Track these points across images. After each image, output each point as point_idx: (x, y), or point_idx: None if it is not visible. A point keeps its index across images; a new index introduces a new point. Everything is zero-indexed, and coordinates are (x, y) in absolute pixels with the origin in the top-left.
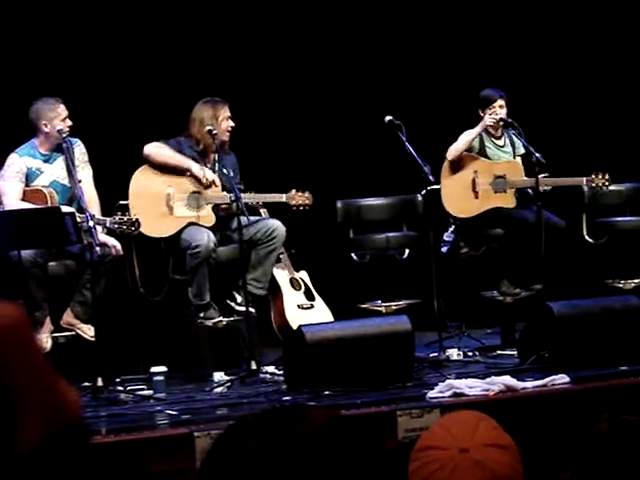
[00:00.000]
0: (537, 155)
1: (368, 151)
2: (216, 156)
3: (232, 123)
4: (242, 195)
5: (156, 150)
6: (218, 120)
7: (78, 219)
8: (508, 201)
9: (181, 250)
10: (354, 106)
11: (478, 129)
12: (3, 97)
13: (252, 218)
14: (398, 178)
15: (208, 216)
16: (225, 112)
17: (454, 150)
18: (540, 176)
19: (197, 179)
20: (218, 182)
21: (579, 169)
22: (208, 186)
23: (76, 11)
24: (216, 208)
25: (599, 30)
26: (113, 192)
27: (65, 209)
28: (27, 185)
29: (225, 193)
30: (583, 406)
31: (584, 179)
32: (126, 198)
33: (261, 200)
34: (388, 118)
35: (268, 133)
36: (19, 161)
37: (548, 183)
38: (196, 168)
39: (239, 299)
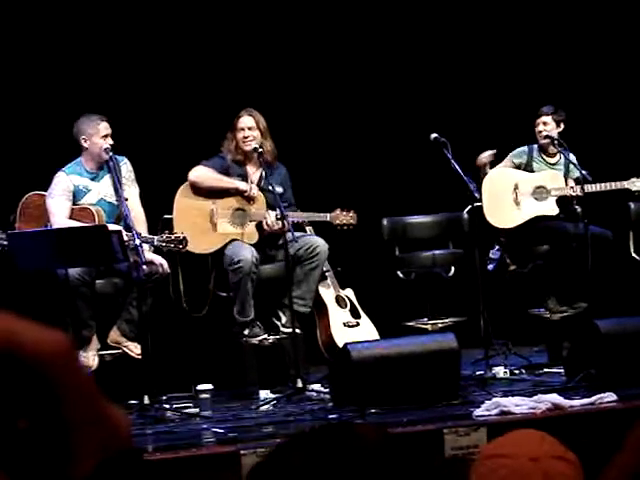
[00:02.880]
0: (584, 172)
1: (414, 169)
2: (263, 172)
3: (247, 133)
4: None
5: (202, 177)
6: (234, 131)
7: (125, 237)
8: (550, 209)
9: (224, 266)
10: (400, 124)
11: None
12: (52, 116)
13: (296, 234)
14: (444, 195)
15: (251, 233)
16: (240, 123)
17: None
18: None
19: (243, 193)
20: (261, 200)
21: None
22: (251, 199)
23: (123, 34)
24: (261, 228)
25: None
26: (159, 209)
27: (112, 227)
28: (75, 203)
29: (269, 211)
30: (631, 424)
31: (625, 183)
32: (171, 215)
33: (305, 219)
34: (434, 135)
35: (314, 150)
36: (66, 179)
37: (591, 189)
38: (242, 184)
39: (284, 319)
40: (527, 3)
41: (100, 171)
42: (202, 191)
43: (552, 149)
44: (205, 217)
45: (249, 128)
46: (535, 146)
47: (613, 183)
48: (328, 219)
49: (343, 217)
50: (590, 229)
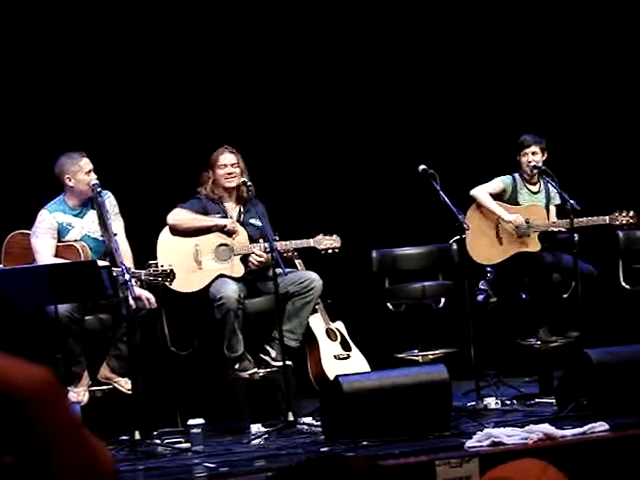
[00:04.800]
0: (572, 202)
1: (403, 200)
2: (241, 207)
3: (230, 169)
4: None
5: (180, 219)
6: (214, 168)
7: (114, 272)
8: (532, 245)
9: (211, 303)
10: (388, 156)
11: (499, 212)
12: (32, 155)
13: (287, 270)
14: (433, 227)
15: (237, 266)
16: (222, 160)
17: (478, 194)
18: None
19: (223, 229)
20: (242, 232)
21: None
22: (232, 233)
23: (104, 72)
24: (246, 261)
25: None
26: (142, 245)
27: (100, 263)
28: (59, 240)
29: (252, 244)
30: (623, 454)
31: (607, 217)
32: (155, 250)
33: (289, 247)
34: (422, 167)
35: (303, 184)
36: (49, 217)
37: (575, 224)
38: (221, 220)
39: (273, 353)
40: (510, 34)
41: (83, 207)
42: (182, 232)
43: (535, 178)
44: (189, 257)
45: (232, 165)
46: (517, 175)
47: (596, 218)
48: (312, 244)
49: (327, 241)
50: (577, 265)
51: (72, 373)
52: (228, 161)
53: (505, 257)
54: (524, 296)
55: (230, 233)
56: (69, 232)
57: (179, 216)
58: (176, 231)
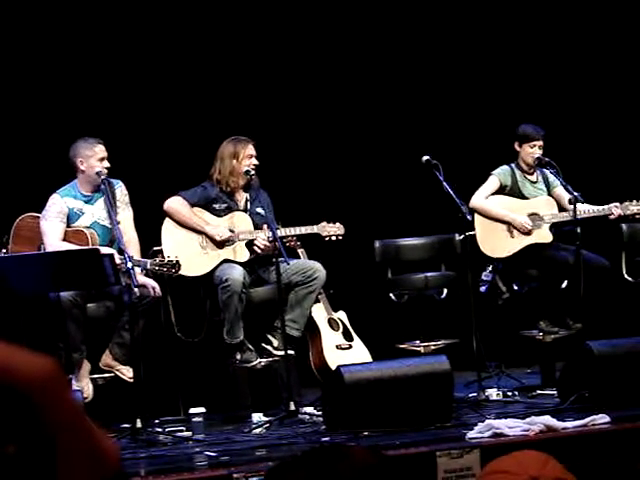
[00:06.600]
0: (575, 194)
1: (406, 191)
2: (247, 195)
3: (255, 161)
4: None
5: (174, 209)
6: (239, 158)
7: (117, 260)
8: (544, 237)
9: (215, 288)
10: (391, 146)
11: (507, 218)
12: (47, 138)
13: (290, 260)
14: (436, 218)
15: (241, 252)
16: (247, 150)
17: (478, 204)
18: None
19: (212, 238)
20: (247, 220)
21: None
22: (222, 244)
23: (118, 59)
24: (251, 247)
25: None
26: (149, 234)
27: (104, 250)
28: (68, 226)
29: (257, 231)
30: (624, 446)
31: (618, 205)
32: (159, 246)
33: (293, 233)
34: (425, 158)
35: (306, 173)
36: (60, 201)
37: (586, 214)
38: (209, 229)
39: (275, 343)
40: (511, 26)
41: (94, 194)
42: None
43: (532, 168)
44: (194, 241)
45: (255, 156)
46: (514, 165)
47: (605, 207)
48: (316, 230)
49: (330, 228)
50: (589, 258)
51: (73, 360)
52: (254, 152)
53: (519, 248)
54: (516, 288)
55: (220, 243)
56: (79, 218)
57: (173, 205)
58: (171, 218)
